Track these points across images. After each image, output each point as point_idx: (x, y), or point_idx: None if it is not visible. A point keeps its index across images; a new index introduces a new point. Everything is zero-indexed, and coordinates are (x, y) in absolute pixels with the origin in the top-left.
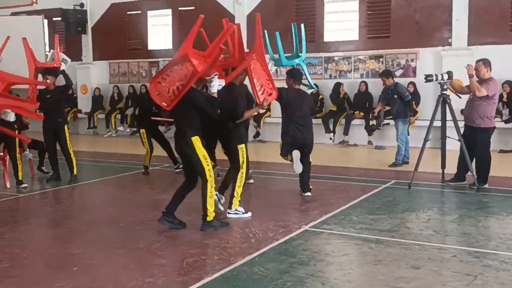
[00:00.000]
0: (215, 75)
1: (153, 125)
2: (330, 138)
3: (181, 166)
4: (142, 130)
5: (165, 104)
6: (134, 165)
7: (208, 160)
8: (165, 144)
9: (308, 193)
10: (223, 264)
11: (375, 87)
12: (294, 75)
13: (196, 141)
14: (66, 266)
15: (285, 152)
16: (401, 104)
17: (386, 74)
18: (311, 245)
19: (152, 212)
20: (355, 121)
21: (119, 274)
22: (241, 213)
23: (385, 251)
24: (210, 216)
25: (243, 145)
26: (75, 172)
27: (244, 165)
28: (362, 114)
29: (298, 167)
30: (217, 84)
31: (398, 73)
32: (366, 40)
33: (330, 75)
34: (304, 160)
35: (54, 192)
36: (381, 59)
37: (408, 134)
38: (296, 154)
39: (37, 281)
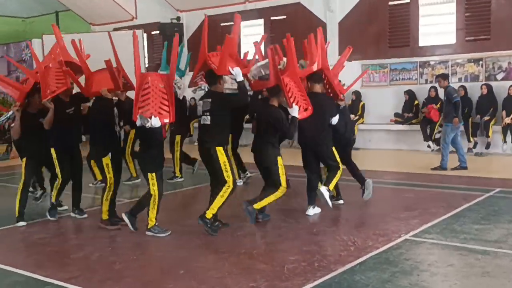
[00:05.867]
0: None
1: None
2: (428, 146)
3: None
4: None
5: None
6: None
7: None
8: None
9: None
10: (324, 272)
11: (476, 91)
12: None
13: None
14: (174, 268)
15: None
16: (449, 106)
17: (442, 76)
18: (413, 255)
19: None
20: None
21: (224, 278)
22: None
23: (493, 262)
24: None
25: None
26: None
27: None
28: None
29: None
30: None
31: (499, 76)
32: (464, 43)
33: (426, 80)
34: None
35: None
36: (480, 62)
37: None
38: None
39: (148, 282)
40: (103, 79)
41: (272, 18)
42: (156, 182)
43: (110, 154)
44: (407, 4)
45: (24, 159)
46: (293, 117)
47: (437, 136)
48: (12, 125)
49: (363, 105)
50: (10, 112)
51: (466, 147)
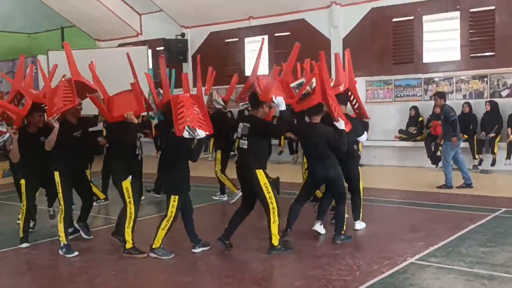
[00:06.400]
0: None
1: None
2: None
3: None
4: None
5: None
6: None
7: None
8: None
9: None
10: None
11: (481, 108)
12: None
13: None
14: None
15: None
16: (446, 125)
17: (439, 95)
18: (419, 280)
19: (254, 240)
20: None
21: None
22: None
23: None
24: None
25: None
26: None
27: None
28: (466, 136)
29: None
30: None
31: (504, 93)
32: (468, 59)
33: (431, 97)
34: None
35: (157, 219)
36: (485, 79)
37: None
38: None
39: None
40: (124, 102)
41: (276, 34)
42: (176, 205)
43: (130, 177)
44: (411, 20)
45: (23, 182)
46: (343, 130)
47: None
48: (11, 147)
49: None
50: (7, 135)
51: (471, 164)
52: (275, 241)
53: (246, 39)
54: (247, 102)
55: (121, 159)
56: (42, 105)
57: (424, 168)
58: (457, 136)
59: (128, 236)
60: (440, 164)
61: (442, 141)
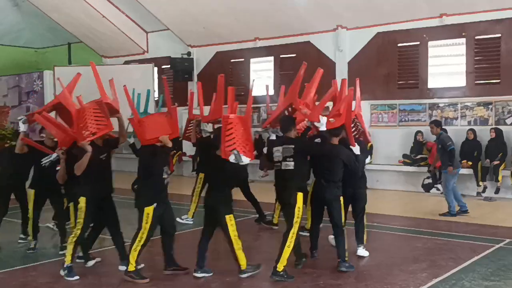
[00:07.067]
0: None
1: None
2: (438, 189)
3: None
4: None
5: None
6: None
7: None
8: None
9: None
10: None
11: (486, 135)
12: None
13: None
14: None
15: None
16: (444, 154)
17: (435, 123)
18: None
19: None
20: (461, 171)
21: None
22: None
23: None
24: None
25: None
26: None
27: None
28: (470, 163)
29: None
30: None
31: (509, 121)
32: (473, 86)
33: None
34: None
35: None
36: (490, 106)
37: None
38: None
39: None
40: (156, 125)
41: (281, 56)
42: (234, 222)
43: (155, 204)
44: (416, 46)
45: (72, 205)
46: (358, 154)
47: (425, 182)
48: (58, 168)
49: (371, 145)
50: (54, 155)
51: (475, 191)
52: (280, 266)
53: (252, 60)
54: (266, 128)
55: (148, 184)
56: None
57: (426, 193)
58: (455, 164)
59: (132, 259)
60: (434, 190)
61: (432, 168)
